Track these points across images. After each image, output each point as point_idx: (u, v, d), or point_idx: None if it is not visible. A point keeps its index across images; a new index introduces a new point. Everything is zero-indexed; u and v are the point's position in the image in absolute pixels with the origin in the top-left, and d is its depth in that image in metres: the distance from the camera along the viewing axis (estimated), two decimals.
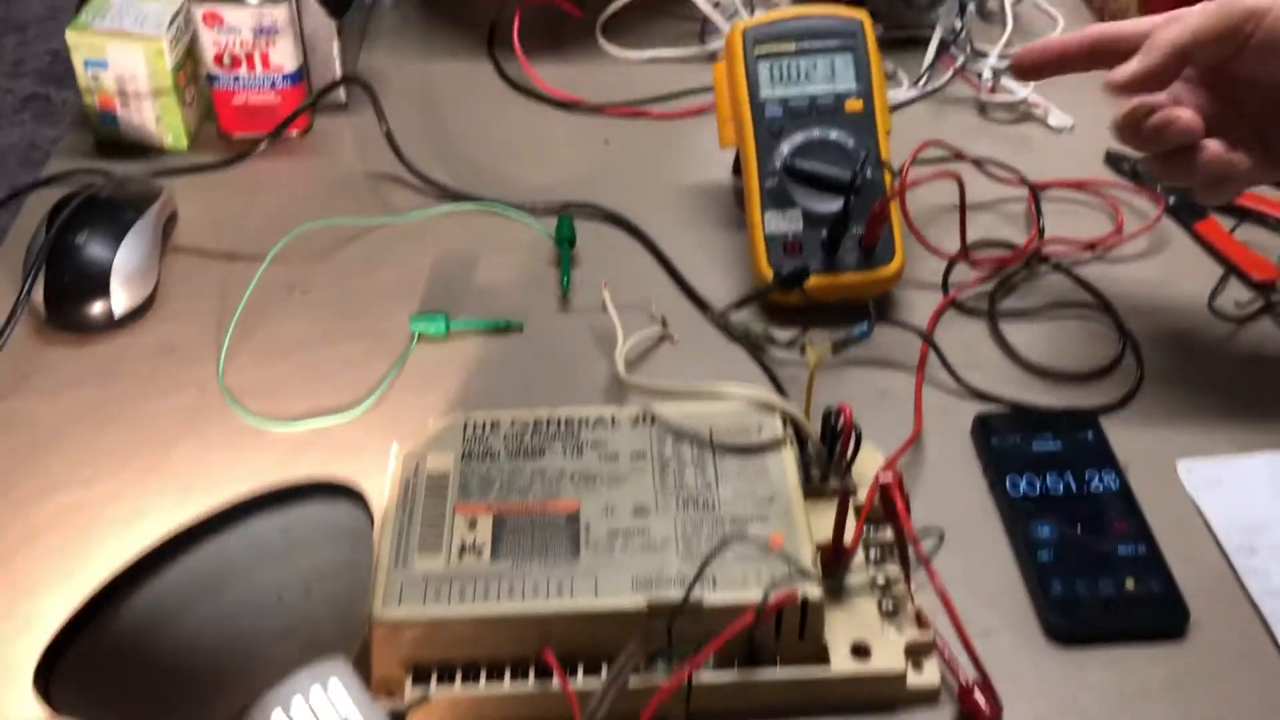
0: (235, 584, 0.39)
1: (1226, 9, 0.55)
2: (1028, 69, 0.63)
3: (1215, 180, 0.58)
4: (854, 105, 0.68)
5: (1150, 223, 0.71)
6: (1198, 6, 0.56)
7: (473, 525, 0.50)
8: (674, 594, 0.47)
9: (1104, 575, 0.53)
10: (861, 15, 0.69)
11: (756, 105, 0.68)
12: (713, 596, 0.47)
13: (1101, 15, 0.93)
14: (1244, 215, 0.72)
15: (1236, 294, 0.68)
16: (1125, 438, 0.60)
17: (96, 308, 0.65)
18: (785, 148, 0.67)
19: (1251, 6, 0.55)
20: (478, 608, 0.47)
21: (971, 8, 0.88)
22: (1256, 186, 0.63)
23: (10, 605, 0.54)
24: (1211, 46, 0.56)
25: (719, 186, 0.76)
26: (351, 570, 0.44)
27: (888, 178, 0.66)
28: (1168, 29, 0.56)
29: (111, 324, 0.65)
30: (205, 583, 0.39)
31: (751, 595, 0.47)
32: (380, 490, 0.54)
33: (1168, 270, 0.70)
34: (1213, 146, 0.57)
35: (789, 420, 0.55)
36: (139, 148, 0.77)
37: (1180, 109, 0.57)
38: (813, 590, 0.47)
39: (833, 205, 0.65)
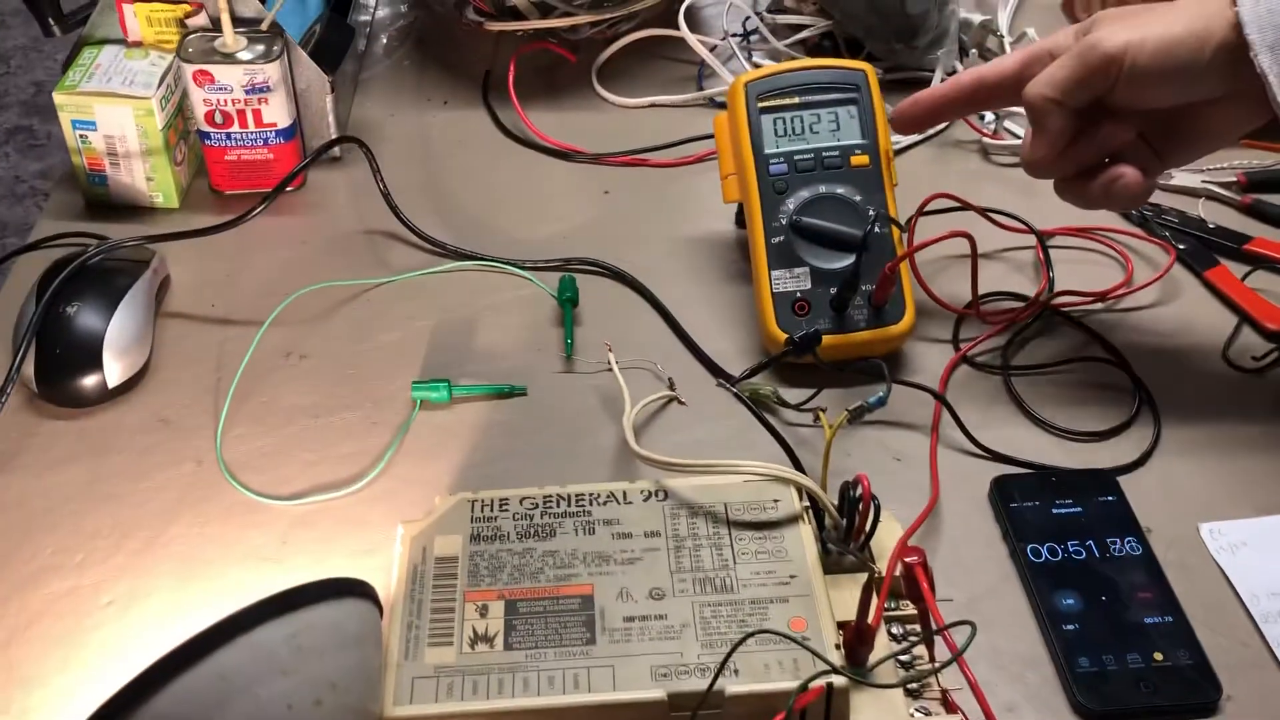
0: (241, 699, 0.38)
1: (1083, 59, 0.56)
2: (907, 123, 0.65)
3: (1134, 200, 0.60)
4: (860, 160, 0.66)
5: (1161, 272, 0.70)
6: (1055, 61, 0.58)
7: (484, 612, 0.49)
8: (695, 684, 0.46)
9: (1131, 648, 0.52)
10: (865, 67, 0.68)
11: (761, 161, 0.66)
12: (735, 687, 0.46)
13: None
14: (1255, 263, 0.71)
15: (1251, 343, 0.67)
16: (1145, 498, 0.59)
17: (89, 381, 0.63)
18: (791, 204, 0.66)
19: (1108, 53, 0.56)
20: (492, 703, 0.46)
21: (972, 49, 0.87)
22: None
23: (3, 698, 0.52)
24: (1080, 95, 0.57)
25: (722, 236, 0.75)
26: (362, 672, 0.42)
27: (896, 234, 0.65)
28: (1038, 86, 0.58)
29: (105, 396, 0.64)
30: (209, 700, 0.37)
31: (774, 684, 0.45)
32: (387, 568, 0.52)
33: (1180, 320, 0.69)
34: (1130, 173, 0.58)
35: (805, 493, 0.53)
36: (130, 207, 0.76)
37: (1124, 167, 0.59)
38: (838, 679, 0.46)
39: (841, 262, 0.64)
